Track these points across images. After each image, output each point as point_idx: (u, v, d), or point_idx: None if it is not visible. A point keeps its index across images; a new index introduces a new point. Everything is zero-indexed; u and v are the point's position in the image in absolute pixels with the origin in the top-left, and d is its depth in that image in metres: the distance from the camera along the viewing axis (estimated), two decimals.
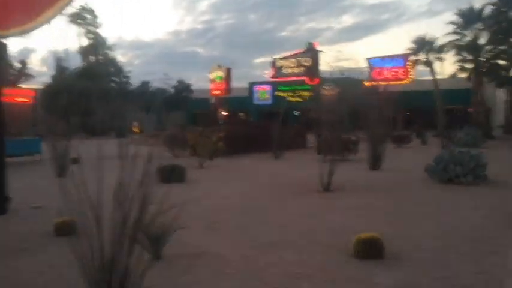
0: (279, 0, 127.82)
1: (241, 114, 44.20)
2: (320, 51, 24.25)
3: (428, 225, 7.18)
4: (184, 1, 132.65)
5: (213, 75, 37.88)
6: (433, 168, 12.05)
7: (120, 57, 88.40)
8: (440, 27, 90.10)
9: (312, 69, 26.58)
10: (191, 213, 7.66)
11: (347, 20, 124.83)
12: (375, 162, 15.10)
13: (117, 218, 3.83)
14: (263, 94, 43.39)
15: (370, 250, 5.48)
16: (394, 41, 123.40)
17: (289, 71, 32.04)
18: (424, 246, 6.04)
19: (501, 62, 35.54)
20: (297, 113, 38.48)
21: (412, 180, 12.32)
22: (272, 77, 27.82)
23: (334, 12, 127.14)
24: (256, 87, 44.00)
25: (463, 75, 36.24)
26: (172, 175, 11.80)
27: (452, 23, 35.58)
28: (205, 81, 43.17)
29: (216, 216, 8.15)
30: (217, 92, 36.71)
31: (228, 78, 34.72)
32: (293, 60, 31.39)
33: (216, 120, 34.72)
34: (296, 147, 23.23)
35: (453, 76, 37.20)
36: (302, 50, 26.27)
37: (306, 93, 35.71)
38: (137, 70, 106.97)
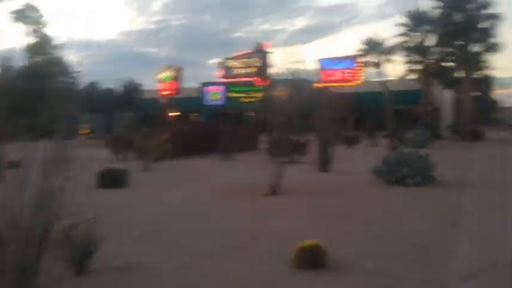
0: (233, 2, 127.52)
1: (196, 114, 43.57)
2: (269, 51, 23.99)
3: (373, 230, 6.96)
4: (136, 1, 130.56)
5: (162, 76, 37.05)
6: (380, 170, 11.94)
7: (70, 57, 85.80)
8: (391, 30, 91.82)
9: (262, 70, 26.25)
10: (129, 220, 7.19)
11: (301, 22, 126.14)
12: (324, 164, 14.94)
13: (33, 228, 3.42)
14: (215, 95, 42.90)
15: (312, 259, 5.16)
16: (347, 43, 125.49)
17: (239, 71, 31.58)
18: (368, 252, 5.78)
19: (448, 63, 36.43)
20: (251, 114, 38.27)
21: (360, 182, 12.17)
22: (221, 78, 27.32)
23: (288, 14, 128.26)
24: (208, 88, 43.47)
25: (412, 76, 36.87)
26: (113, 179, 11.22)
27: (401, 24, 36.16)
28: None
29: (155, 223, 7.69)
30: (167, 92, 35.89)
31: (178, 78, 33.93)
32: (242, 60, 30.95)
33: (166, 121, 33.94)
34: (248, 149, 22.89)
35: (404, 77, 37.80)
36: (251, 50, 25.90)
37: (258, 94, 35.53)
38: (87, 70, 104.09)
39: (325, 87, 36.81)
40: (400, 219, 7.71)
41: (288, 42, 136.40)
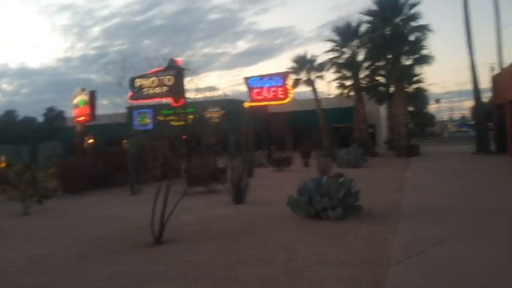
0: (174, 26, 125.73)
1: (125, 141, 40.48)
2: (185, 68, 21.77)
3: None
4: (75, 27, 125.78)
5: (76, 100, 34.00)
6: (296, 201, 9.94)
7: (4, 86, 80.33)
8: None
9: (176, 89, 23.92)
10: None
11: (242, 45, 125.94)
12: (239, 195, 12.83)
13: None
14: (143, 119, 40.20)
15: None
16: (288, 65, 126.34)
17: (151, 91, 28.89)
18: None
19: (379, 78, 35.59)
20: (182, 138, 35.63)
21: (276, 216, 10.11)
22: (130, 99, 24.66)
23: (229, 38, 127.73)
24: (137, 112, 40.73)
25: (344, 92, 35.77)
26: None
27: (330, 40, 35.07)
28: (102, 108, 39.20)
29: None
30: (82, 118, 32.82)
31: (92, 102, 30.94)
32: (154, 79, 28.29)
33: (82, 150, 30.89)
34: (170, 177, 20.36)
35: (340, 94, 36.70)
36: (163, 68, 23.49)
37: (191, 117, 33.12)
38: (25, 100, 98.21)
39: (261, 107, 35.13)
40: (307, 280, 5.65)
41: (230, 66, 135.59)
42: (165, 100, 27.78)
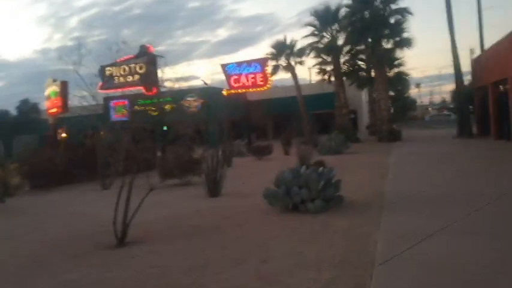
0: (153, 15, 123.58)
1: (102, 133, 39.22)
2: (158, 55, 20.79)
3: None
4: (52, 18, 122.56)
5: (48, 91, 32.65)
6: (273, 193, 9.27)
7: None
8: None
9: (148, 77, 22.93)
10: None
11: (222, 33, 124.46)
12: (214, 187, 12.12)
13: None
14: (120, 109, 39.06)
15: None
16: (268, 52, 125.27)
17: (122, 80, 27.73)
18: None
19: (360, 63, 35.03)
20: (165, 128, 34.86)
21: (252, 210, 9.42)
22: (100, 89, 23.44)
23: (210, 26, 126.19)
24: (113, 103, 39.55)
25: (324, 78, 35.15)
26: None
27: (309, 24, 34.31)
28: (72, 99, 37.52)
29: None
30: (54, 110, 31.55)
31: (63, 93, 29.64)
32: (124, 67, 27.12)
33: (55, 143, 29.67)
34: (146, 170, 19.50)
35: (321, 80, 36.07)
36: (133, 55, 22.41)
37: (168, 106, 32.25)
38: (1, 93, 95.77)
39: (240, 95, 34.26)
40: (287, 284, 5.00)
41: (211, 54, 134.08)
42: (136, 89, 26.76)
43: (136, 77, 26.91)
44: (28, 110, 45.34)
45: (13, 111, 47.93)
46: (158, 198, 11.29)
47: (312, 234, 7.11)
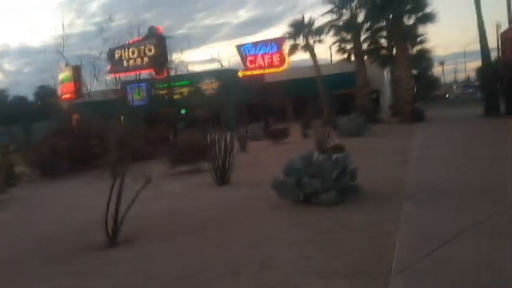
0: None
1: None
2: (168, 36, 19.95)
3: None
4: (73, 3, 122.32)
5: (61, 77, 32.15)
6: (283, 184, 8.45)
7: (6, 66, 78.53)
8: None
9: (158, 59, 22.09)
10: None
11: (243, 14, 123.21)
12: (223, 175, 11.36)
13: None
14: (138, 94, 38.76)
15: None
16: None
17: (132, 62, 26.96)
18: None
19: (381, 40, 33.65)
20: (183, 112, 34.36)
21: (260, 203, 8.62)
22: (110, 72, 22.75)
23: (230, 7, 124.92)
24: (132, 87, 39.19)
25: (344, 57, 33.87)
26: None
27: (329, 1, 32.94)
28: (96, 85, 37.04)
29: None
30: (67, 95, 31.07)
31: (77, 78, 29.08)
32: (134, 49, 26.29)
33: (69, 129, 29.18)
34: (153, 157, 18.85)
35: (341, 60, 34.80)
36: (142, 37, 21.62)
37: (185, 89, 31.59)
38: (28, 79, 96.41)
39: (256, 76, 33.33)
40: None
41: (232, 36, 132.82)
42: (147, 72, 26.07)
43: (146, 59, 26.11)
44: (46, 95, 45.18)
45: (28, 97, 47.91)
46: (164, 187, 10.71)
47: (323, 233, 6.27)
